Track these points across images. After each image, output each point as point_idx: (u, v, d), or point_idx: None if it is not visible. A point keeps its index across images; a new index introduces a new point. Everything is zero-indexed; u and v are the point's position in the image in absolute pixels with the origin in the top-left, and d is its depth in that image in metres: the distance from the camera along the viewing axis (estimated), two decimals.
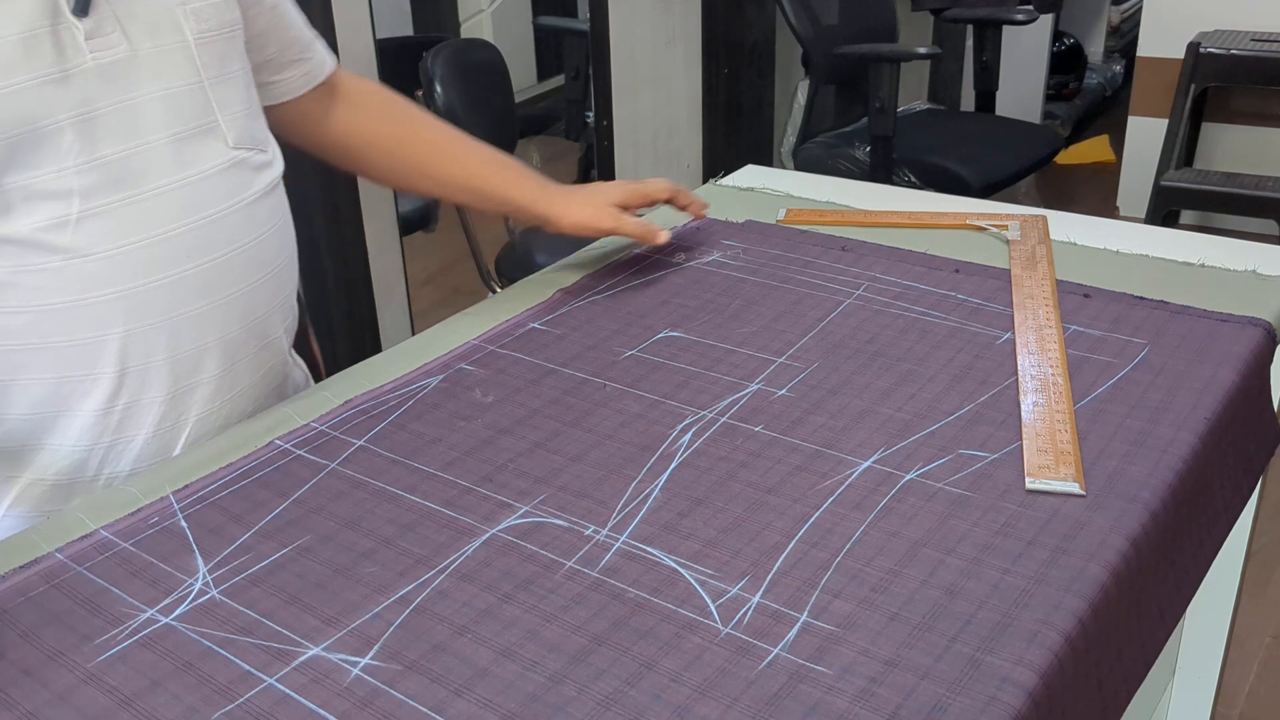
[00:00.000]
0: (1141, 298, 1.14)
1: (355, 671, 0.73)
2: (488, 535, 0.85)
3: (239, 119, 1.00)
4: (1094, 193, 3.99)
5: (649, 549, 0.83)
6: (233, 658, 0.74)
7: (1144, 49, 3.58)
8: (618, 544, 0.83)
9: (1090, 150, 4.31)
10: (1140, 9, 3.63)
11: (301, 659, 0.74)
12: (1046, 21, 4.14)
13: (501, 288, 1.85)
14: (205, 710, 0.70)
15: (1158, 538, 0.85)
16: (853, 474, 0.90)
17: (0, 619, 0.79)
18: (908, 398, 1.00)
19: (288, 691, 0.71)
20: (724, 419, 0.98)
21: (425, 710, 0.69)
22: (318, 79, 1.18)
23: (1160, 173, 3.30)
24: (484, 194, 1.25)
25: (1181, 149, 3.40)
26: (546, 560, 0.82)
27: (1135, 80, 3.64)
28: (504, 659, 0.73)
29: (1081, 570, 0.78)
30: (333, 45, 1.37)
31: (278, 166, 1.06)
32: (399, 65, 2.33)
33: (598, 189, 1.27)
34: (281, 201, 1.07)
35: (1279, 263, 1.20)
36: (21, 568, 0.84)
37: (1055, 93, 4.45)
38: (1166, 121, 3.36)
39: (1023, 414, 0.96)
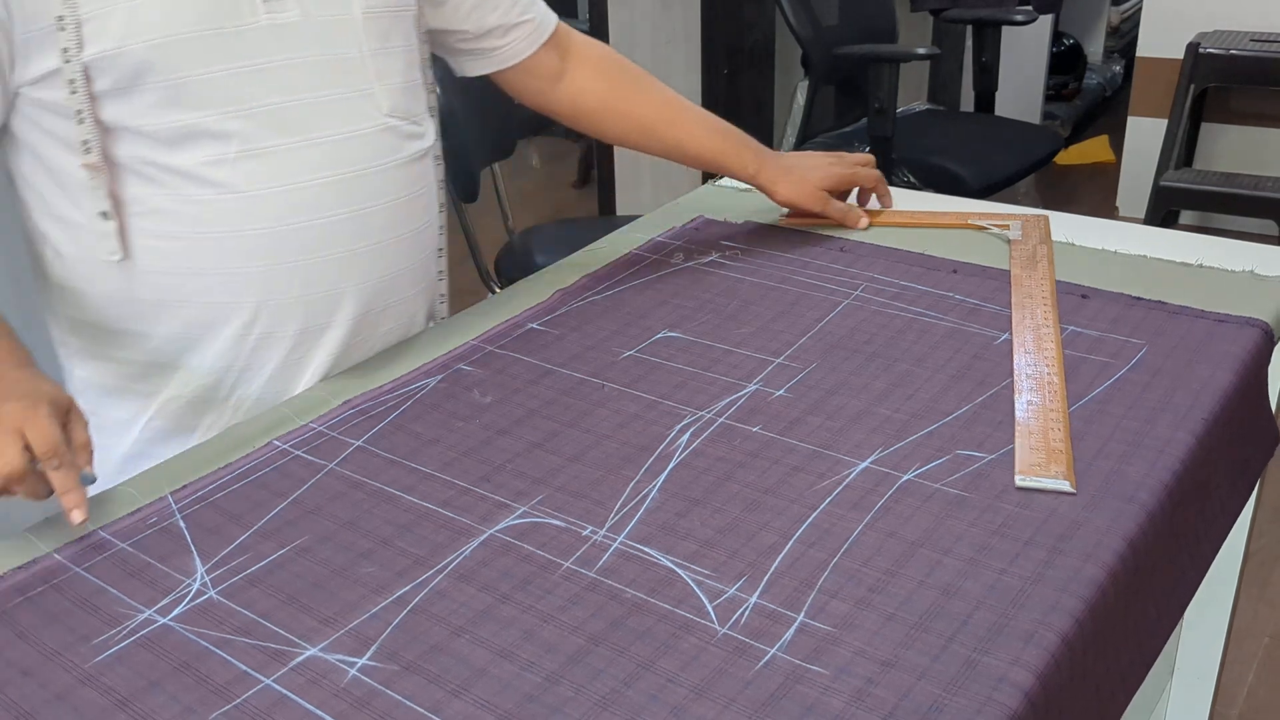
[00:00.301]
0: (1139, 298, 1.14)
1: (352, 672, 0.73)
2: (485, 536, 0.85)
3: (394, 90, 1.08)
4: (1093, 193, 3.99)
5: (646, 549, 0.83)
6: (230, 658, 0.74)
7: (1143, 49, 3.58)
8: (615, 544, 0.84)
9: (1090, 150, 4.31)
10: (1140, 9, 3.63)
11: (299, 659, 0.74)
12: (1046, 22, 4.14)
13: (501, 288, 1.85)
14: (202, 711, 0.70)
15: (1155, 538, 0.85)
16: (850, 474, 0.90)
17: None
18: (905, 398, 1.00)
19: (285, 692, 0.71)
20: (722, 419, 0.98)
21: (422, 711, 0.70)
22: (542, 37, 1.25)
23: (1160, 173, 3.30)
24: (704, 160, 1.32)
25: (1181, 149, 3.40)
26: (544, 560, 0.82)
27: (1135, 80, 3.64)
28: (501, 659, 0.73)
29: (1078, 571, 0.78)
30: None
31: (429, 140, 1.14)
32: None
33: (812, 167, 1.34)
34: (428, 173, 1.14)
35: (1277, 263, 1.20)
36: (20, 568, 0.84)
37: (1055, 93, 4.45)
38: (1166, 122, 3.36)
39: (1017, 412, 0.96)
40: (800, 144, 3.05)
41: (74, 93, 0.94)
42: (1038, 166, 2.97)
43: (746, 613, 0.76)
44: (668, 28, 3.07)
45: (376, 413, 1.02)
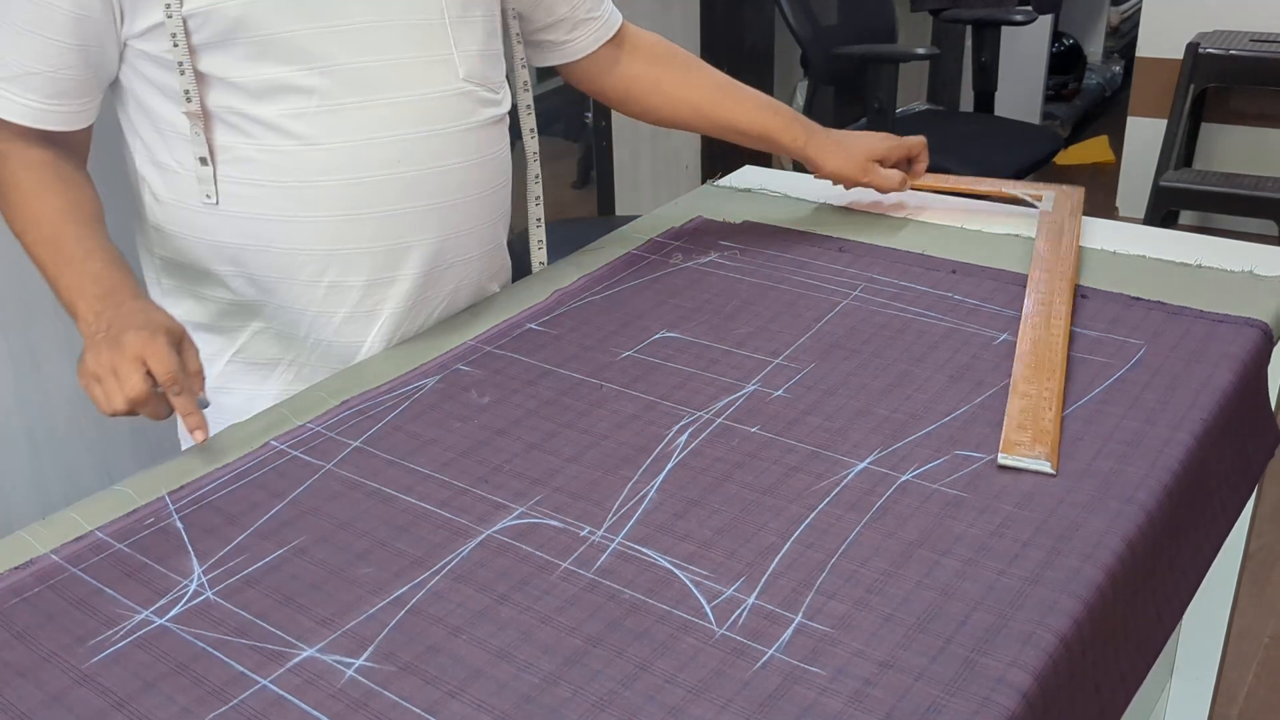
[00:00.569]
0: (1138, 298, 1.14)
1: (349, 673, 0.73)
2: (483, 536, 0.85)
3: (471, 57, 1.12)
4: (1093, 193, 3.95)
5: (645, 550, 0.83)
6: (227, 659, 0.74)
7: (1143, 49, 3.58)
8: (613, 545, 0.83)
9: (1089, 151, 4.31)
10: (1139, 9, 3.63)
11: (296, 660, 0.74)
12: (1046, 22, 4.14)
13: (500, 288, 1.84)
14: (199, 711, 0.70)
15: (1154, 539, 0.85)
16: (849, 475, 0.90)
17: None
18: (904, 398, 1.00)
19: (282, 693, 0.71)
20: (720, 420, 0.98)
21: (419, 711, 0.69)
22: (607, 35, 1.30)
23: (1159, 173, 3.30)
24: (755, 135, 1.35)
25: (1180, 149, 3.40)
26: (542, 561, 0.82)
27: (1134, 81, 3.64)
28: (499, 660, 0.73)
29: (1077, 571, 0.78)
30: None
31: (504, 107, 1.18)
32: None
33: (860, 139, 1.37)
34: (501, 139, 1.19)
35: (1276, 263, 1.20)
36: (16, 568, 0.83)
37: (1054, 93, 4.45)
38: (1166, 122, 3.36)
39: (1012, 382, 0.96)
40: None
41: (175, 45, 1.01)
42: (1037, 167, 2.97)
43: (744, 613, 0.76)
44: (667, 28, 3.07)
45: (374, 413, 1.02)
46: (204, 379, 0.95)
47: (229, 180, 1.06)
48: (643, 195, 3.26)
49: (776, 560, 0.81)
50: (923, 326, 1.12)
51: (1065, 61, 4.48)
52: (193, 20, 1.00)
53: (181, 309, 1.14)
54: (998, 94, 3.26)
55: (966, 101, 3.98)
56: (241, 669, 0.73)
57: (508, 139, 1.20)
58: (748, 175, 1.58)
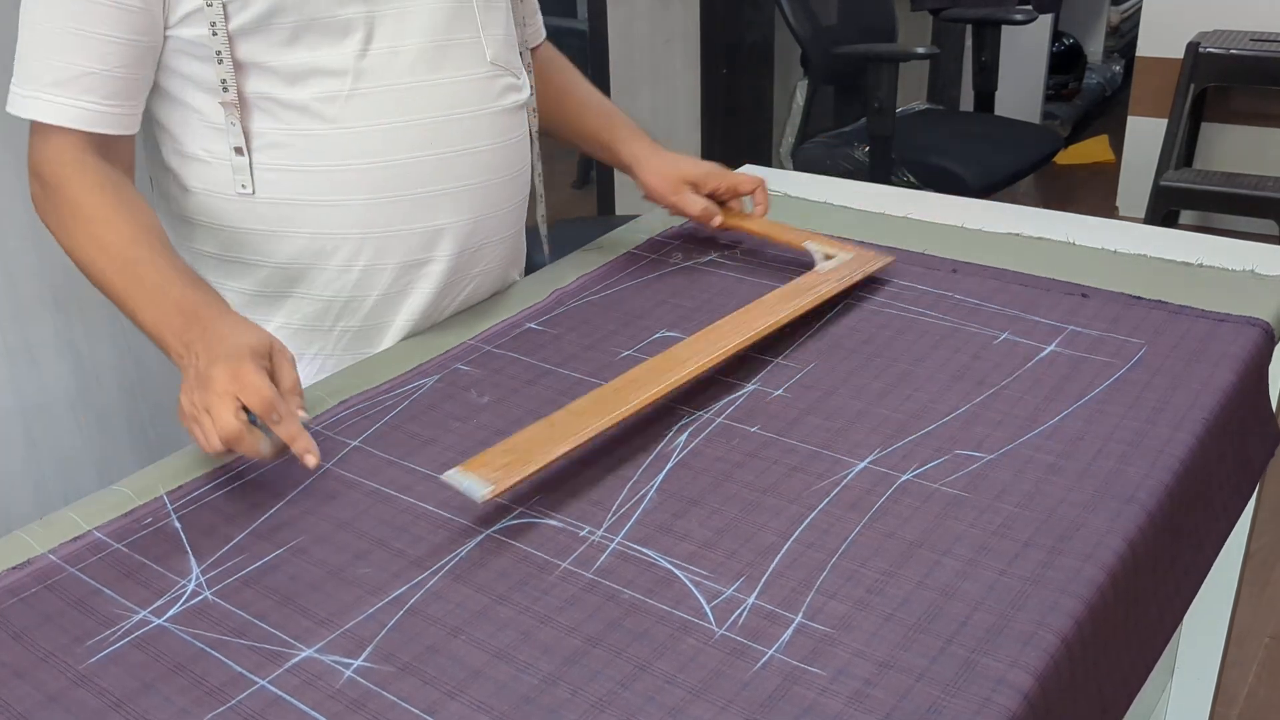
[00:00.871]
0: (1139, 297, 1.14)
1: (348, 674, 0.72)
2: (482, 536, 0.85)
3: (497, 40, 1.14)
4: (1093, 193, 3.98)
5: (644, 550, 0.82)
6: (225, 659, 0.74)
7: (1143, 49, 3.57)
8: (613, 545, 0.83)
9: (1090, 150, 4.31)
10: (1140, 9, 3.62)
11: (294, 661, 0.74)
12: (1046, 21, 4.13)
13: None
14: (197, 712, 0.70)
15: (1155, 539, 0.85)
16: (849, 474, 0.90)
17: None
18: (904, 398, 1.00)
19: (280, 693, 0.71)
20: (720, 419, 0.98)
21: (418, 712, 0.69)
22: (531, 45, 1.31)
23: (1160, 173, 3.29)
24: (604, 148, 1.35)
25: (1181, 149, 3.39)
26: (541, 561, 0.82)
27: (1135, 80, 3.63)
28: (498, 661, 0.73)
29: (1078, 571, 0.78)
30: None
31: (526, 92, 1.20)
32: None
33: (684, 162, 1.33)
34: (523, 123, 1.20)
35: (1277, 262, 1.20)
36: (14, 568, 0.83)
37: (1055, 93, 4.45)
38: (1166, 121, 3.35)
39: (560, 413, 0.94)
40: (800, 144, 3.05)
41: (214, 34, 1.01)
42: (1037, 166, 2.96)
43: (744, 613, 0.76)
44: (667, 27, 3.07)
45: (373, 413, 1.02)
46: (301, 393, 0.93)
47: (261, 167, 1.06)
48: (642, 195, 3.25)
49: (776, 560, 0.80)
50: (923, 326, 1.12)
51: (1065, 61, 4.48)
52: (233, 5, 1.00)
53: None
54: (998, 94, 3.26)
55: (966, 101, 3.97)
56: (240, 669, 0.73)
57: (528, 123, 1.21)
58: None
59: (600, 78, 2.94)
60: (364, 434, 0.98)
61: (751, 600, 0.77)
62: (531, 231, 1.33)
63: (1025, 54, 4.15)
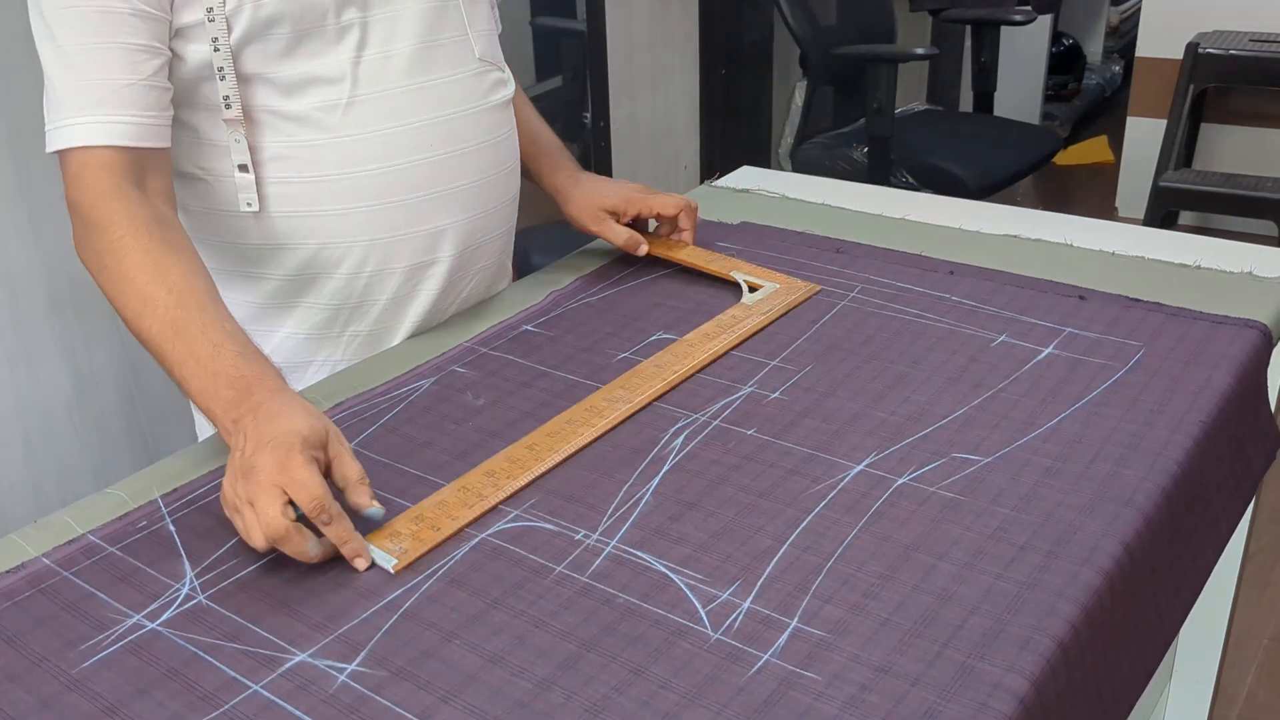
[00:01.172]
0: (1137, 299, 1.14)
1: (342, 678, 0.72)
2: (477, 540, 0.84)
3: (484, 36, 1.14)
4: (1093, 193, 3.98)
5: (640, 554, 0.82)
6: (218, 664, 0.74)
7: (1143, 49, 3.57)
8: (608, 548, 0.83)
9: (1089, 151, 4.31)
10: (1139, 9, 3.62)
11: (288, 665, 0.73)
12: (1045, 22, 4.13)
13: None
14: (190, 717, 0.70)
15: (1153, 542, 0.84)
16: (845, 478, 0.89)
17: None
18: (901, 401, 0.99)
19: (274, 698, 0.71)
20: (716, 422, 0.98)
21: (412, 717, 0.69)
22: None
23: (1159, 173, 3.29)
24: (534, 177, 1.32)
25: (1180, 149, 3.39)
26: (536, 565, 0.81)
27: (1134, 81, 3.63)
28: (492, 665, 0.73)
29: (1075, 575, 0.77)
30: None
31: (511, 87, 1.20)
32: None
33: (600, 192, 1.28)
34: (512, 117, 1.20)
35: (1275, 264, 1.20)
36: (8, 572, 0.83)
37: (1054, 93, 4.44)
38: (1165, 122, 3.35)
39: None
40: (799, 144, 3.04)
41: (217, 50, 1.00)
42: (1037, 167, 2.96)
43: (740, 618, 0.75)
44: (665, 28, 3.06)
45: (369, 415, 1.01)
46: (369, 486, 0.84)
47: (266, 182, 1.05)
48: None
49: (772, 564, 0.80)
50: (920, 328, 1.11)
51: (1065, 61, 4.47)
52: (234, 15, 0.98)
53: None
54: (997, 94, 3.26)
55: (966, 101, 3.97)
56: (233, 674, 0.73)
57: (513, 117, 1.21)
58: (746, 176, 1.58)
59: (599, 78, 2.94)
60: (360, 436, 0.98)
61: (747, 604, 0.77)
62: (531, 231, 1.33)
63: (1024, 54, 4.15)
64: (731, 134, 3.30)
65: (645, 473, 0.91)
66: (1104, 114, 4.68)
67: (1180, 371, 1.01)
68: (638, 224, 1.30)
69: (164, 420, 1.78)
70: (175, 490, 0.92)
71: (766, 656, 0.72)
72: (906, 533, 0.83)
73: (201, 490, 0.91)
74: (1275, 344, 1.11)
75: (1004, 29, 3.29)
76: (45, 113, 0.98)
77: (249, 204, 1.05)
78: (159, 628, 0.77)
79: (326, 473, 0.83)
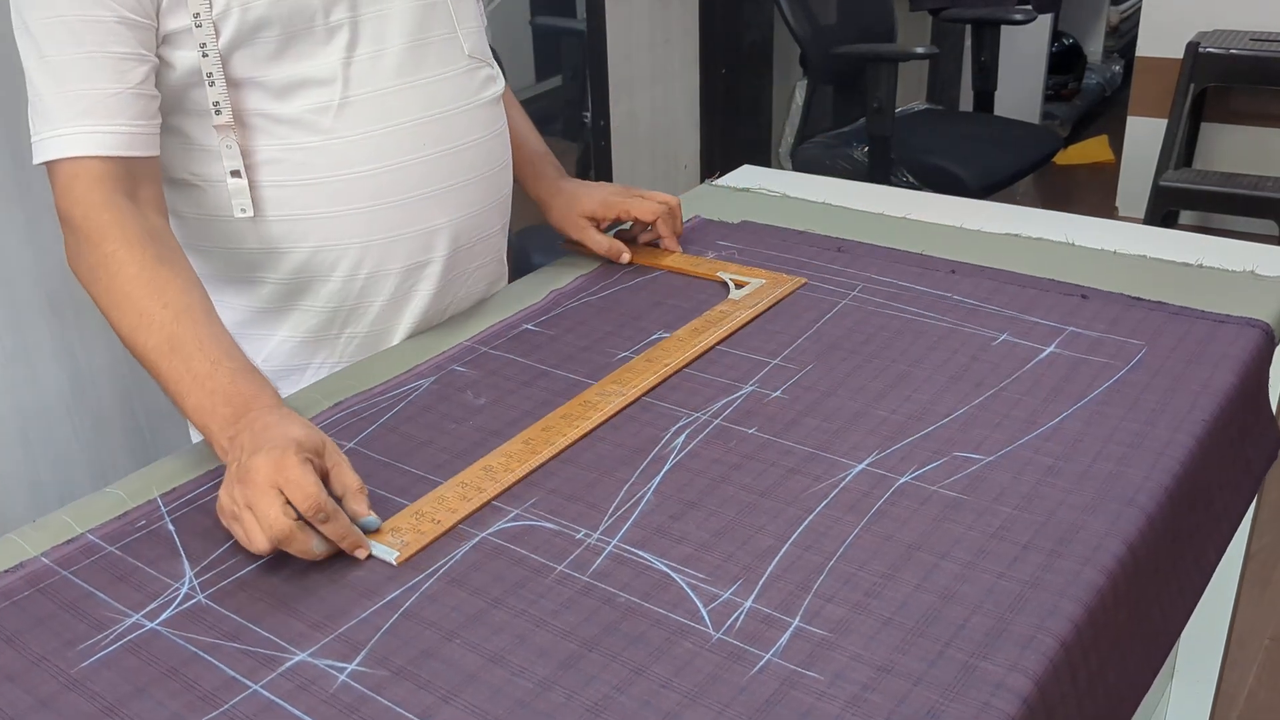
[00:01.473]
0: (1139, 298, 1.13)
1: (342, 678, 0.72)
2: (478, 539, 0.84)
3: (473, 34, 1.14)
4: (1093, 193, 3.98)
5: (641, 553, 0.82)
6: (218, 663, 0.73)
7: (1143, 49, 3.57)
8: (609, 548, 0.83)
9: (1089, 150, 4.30)
10: (1139, 9, 3.62)
11: (287, 665, 0.73)
12: (1045, 21, 4.13)
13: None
14: (190, 717, 0.69)
15: (1155, 541, 0.84)
16: (847, 477, 0.89)
17: None
18: (902, 400, 0.99)
19: (273, 698, 0.70)
20: (717, 421, 0.97)
21: (412, 717, 0.69)
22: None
23: (1159, 173, 3.29)
24: (520, 183, 1.30)
25: (1180, 149, 3.39)
26: (537, 564, 0.81)
27: (1134, 80, 3.63)
28: (493, 665, 0.72)
29: (1077, 574, 0.77)
30: None
31: (500, 83, 1.19)
32: None
33: (579, 199, 1.28)
34: (502, 113, 1.19)
35: (1277, 263, 1.20)
36: (6, 571, 0.83)
37: (1054, 93, 4.44)
38: (1165, 122, 3.35)
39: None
40: (799, 144, 3.04)
41: (205, 55, 0.99)
42: (1037, 166, 2.96)
43: (741, 617, 0.75)
44: (665, 27, 3.06)
45: (369, 414, 1.01)
46: (366, 496, 0.84)
47: (260, 186, 1.04)
48: None
49: (774, 563, 0.80)
50: (921, 327, 1.11)
51: (1065, 61, 4.47)
52: (222, 20, 0.97)
53: None
54: (997, 94, 3.25)
55: (966, 101, 3.97)
56: (233, 673, 0.72)
57: (504, 113, 1.20)
58: (746, 175, 1.58)
59: (599, 77, 2.93)
60: (359, 435, 0.98)
61: (748, 604, 0.76)
62: (531, 231, 1.32)
63: (1025, 54, 4.15)
64: (732, 133, 3.30)
65: (646, 472, 0.91)
66: (1104, 113, 4.68)
67: (1182, 370, 1.01)
68: (634, 226, 1.30)
69: (163, 419, 1.77)
70: (174, 489, 0.91)
71: (768, 656, 0.72)
72: (908, 532, 0.82)
73: (201, 490, 0.91)
74: (1277, 343, 1.11)
75: (1004, 28, 3.29)
76: (31, 123, 0.96)
77: (243, 209, 1.04)
78: (158, 627, 0.77)
79: (323, 481, 0.83)
